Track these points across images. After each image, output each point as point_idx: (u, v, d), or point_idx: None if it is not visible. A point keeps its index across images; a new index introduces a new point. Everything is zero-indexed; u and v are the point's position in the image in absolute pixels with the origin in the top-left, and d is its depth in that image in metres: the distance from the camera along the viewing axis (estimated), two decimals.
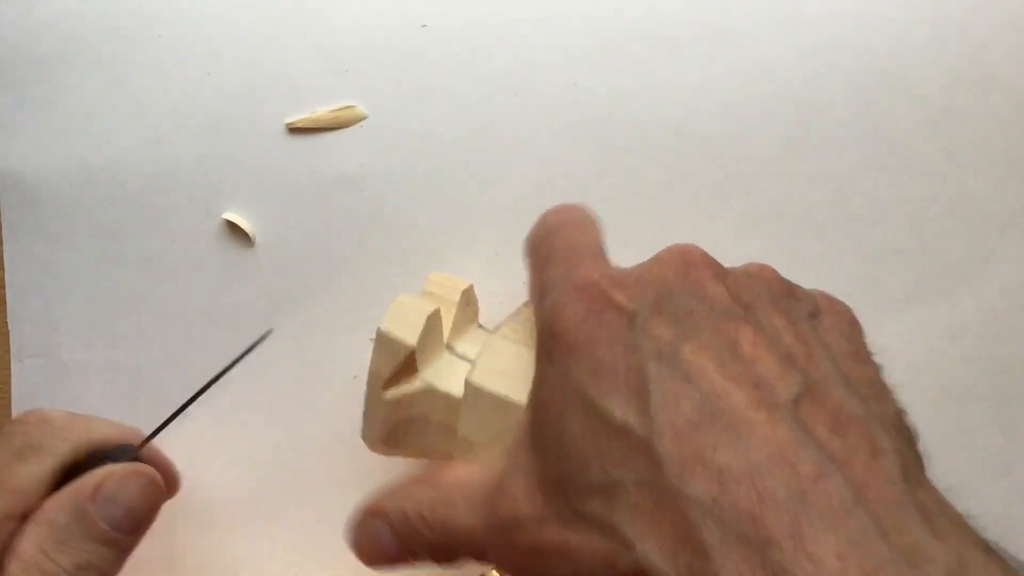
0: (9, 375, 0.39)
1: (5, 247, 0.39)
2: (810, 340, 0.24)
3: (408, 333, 0.30)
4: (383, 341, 0.31)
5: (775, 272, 0.27)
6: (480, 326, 0.36)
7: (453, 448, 0.30)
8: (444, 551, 0.26)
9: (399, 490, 0.28)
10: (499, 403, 0.28)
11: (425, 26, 0.39)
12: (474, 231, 0.39)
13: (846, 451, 0.20)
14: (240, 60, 0.39)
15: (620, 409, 0.22)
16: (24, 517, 0.28)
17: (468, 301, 0.35)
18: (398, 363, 0.30)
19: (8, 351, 0.39)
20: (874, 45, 0.39)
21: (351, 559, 0.39)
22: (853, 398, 0.22)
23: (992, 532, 0.39)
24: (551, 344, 0.25)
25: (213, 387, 0.39)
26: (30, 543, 0.27)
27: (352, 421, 0.39)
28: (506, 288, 0.38)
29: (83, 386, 0.39)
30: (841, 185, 0.39)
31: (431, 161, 0.39)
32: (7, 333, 0.39)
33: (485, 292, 0.38)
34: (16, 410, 0.39)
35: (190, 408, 0.37)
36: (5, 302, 0.39)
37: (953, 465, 0.38)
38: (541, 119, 0.39)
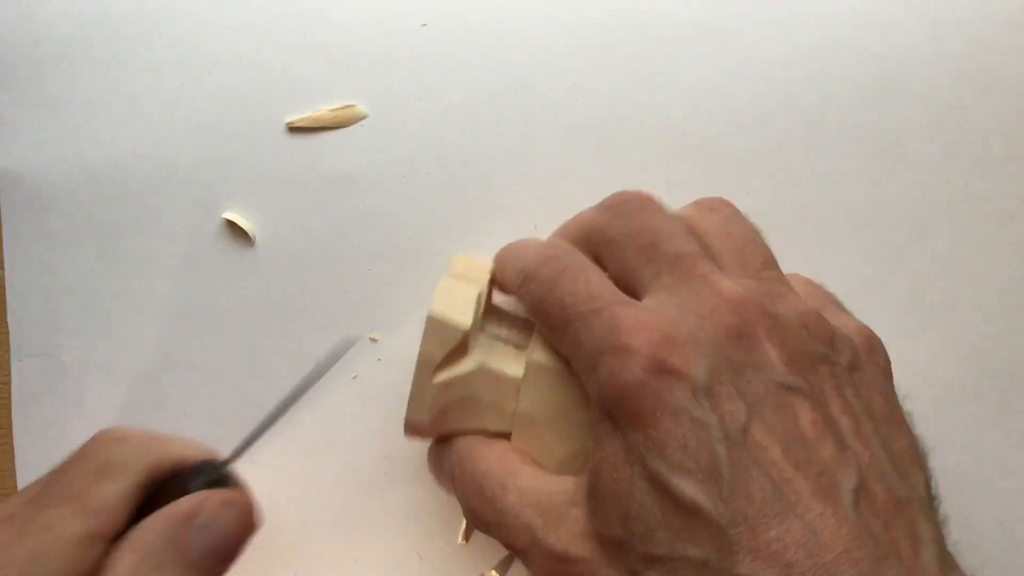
0: (9, 375, 0.39)
1: (5, 247, 0.39)
2: (856, 412, 0.25)
3: (461, 316, 0.31)
4: (436, 325, 0.31)
5: (818, 317, 0.27)
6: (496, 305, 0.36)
7: (512, 424, 0.30)
8: (486, 532, 0.28)
9: (468, 445, 0.30)
10: (560, 376, 0.29)
11: (425, 26, 0.39)
12: (474, 231, 0.39)
13: (895, 544, 0.22)
14: (240, 60, 0.39)
15: (691, 488, 0.22)
16: (110, 538, 0.27)
17: (493, 282, 0.35)
18: (451, 346, 0.30)
19: (8, 351, 0.39)
20: (874, 45, 0.39)
21: (351, 560, 0.39)
22: (899, 481, 0.24)
23: (992, 532, 0.39)
24: (614, 410, 0.25)
25: (210, 387, 0.39)
26: (124, 566, 0.26)
27: (353, 422, 0.39)
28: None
29: (83, 386, 0.39)
30: (841, 185, 0.39)
31: (431, 160, 0.39)
32: (7, 333, 0.39)
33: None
34: (16, 409, 0.39)
35: (188, 408, 0.37)
36: (5, 302, 0.39)
37: (953, 465, 0.38)
38: (541, 119, 0.39)
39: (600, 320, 0.26)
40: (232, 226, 0.39)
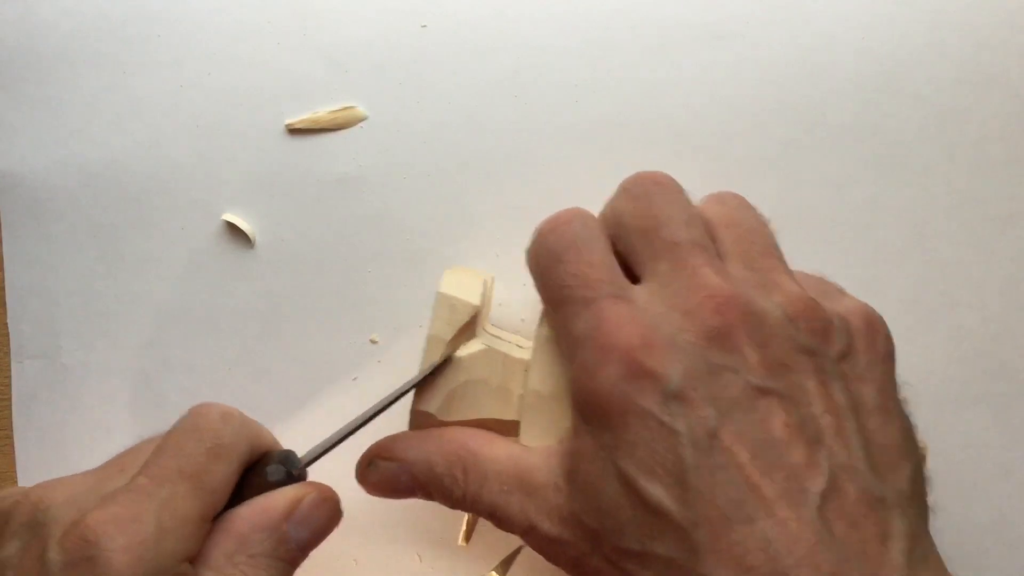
0: (9, 376, 0.39)
1: (5, 248, 0.39)
2: (840, 408, 0.25)
3: (470, 295, 0.31)
4: (445, 304, 0.31)
5: (813, 307, 0.26)
6: (492, 324, 0.36)
7: (520, 407, 0.30)
8: (467, 509, 0.28)
9: (424, 443, 0.29)
10: None
11: (425, 26, 0.39)
12: (474, 232, 0.39)
13: (862, 543, 0.23)
14: (240, 60, 0.39)
15: (658, 492, 0.23)
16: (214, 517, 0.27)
17: (490, 292, 0.36)
18: (460, 325, 0.31)
19: (8, 352, 0.39)
20: (874, 45, 0.39)
21: (351, 560, 0.39)
22: (875, 480, 0.24)
23: (992, 532, 0.39)
24: (585, 407, 0.25)
25: (210, 389, 0.39)
26: (221, 552, 0.26)
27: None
28: (507, 291, 0.38)
29: (83, 387, 0.39)
30: (841, 185, 0.39)
31: (431, 161, 0.39)
32: (7, 334, 0.39)
33: None
34: (16, 411, 0.39)
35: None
36: (5, 303, 0.39)
37: (953, 467, 0.38)
38: (541, 119, 0.39)
39: (588, 312, 0.26)
40: (232, 228, 0.39)
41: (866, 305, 0.29)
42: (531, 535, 0.27)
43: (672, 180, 0.30)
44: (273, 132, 0.39)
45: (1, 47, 0.39)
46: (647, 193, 0.29)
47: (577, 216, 0.29)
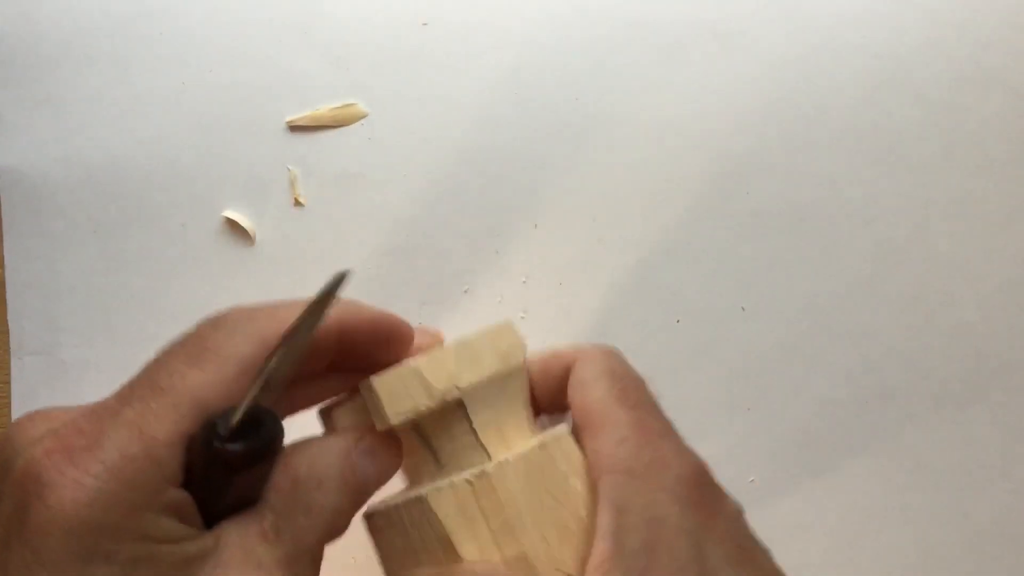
0: (9, 373, 0.39)
1: (5, 245, 0.39)
2: None
3: (516, 350, 0.26)
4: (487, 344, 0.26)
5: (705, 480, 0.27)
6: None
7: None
8: None
9: None
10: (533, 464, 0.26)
11: (426, 25, 0.39)
12: (474, 231, 0.39)
13: None
14: (241, 59, 0.39)
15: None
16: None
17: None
18: (485, 376, 0.26)
19: (8, 349, 0.39)
20: (874, 45, 0.39)
21: (349, 559, 0.39)
22: None
23: (992, 532, 0.39)
24: (684, 491, 0.26)
25: None
26: (286, 479, 0.23)
27: None
28: (507, 289, 0.38)
29: (82, 384, 0.39)
30: (841, 185, 0.39)
31: (431, 159, 0.39)
32: (7, 331, 0.39)
33: (485, 293, 0.38)
34: (16, 409, 0.39)
35: None
36: (5, 300, 0.39)
37: (953, 465, 0.38)
38: (541, 119, 0.39)
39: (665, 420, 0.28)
40: (232, 224, 0.39)
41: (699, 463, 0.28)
42: None
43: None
44: (274, 129, 0.39)
45: (3, 44, 0.39)
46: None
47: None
